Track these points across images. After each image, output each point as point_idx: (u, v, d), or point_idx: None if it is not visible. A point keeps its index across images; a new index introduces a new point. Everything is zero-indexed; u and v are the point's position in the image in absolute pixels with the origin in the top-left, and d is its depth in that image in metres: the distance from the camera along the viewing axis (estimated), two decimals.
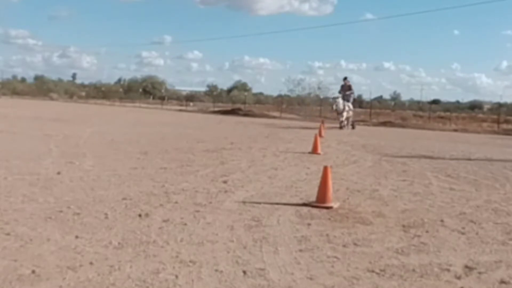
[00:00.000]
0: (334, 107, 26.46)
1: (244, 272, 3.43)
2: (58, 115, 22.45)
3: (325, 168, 5.99)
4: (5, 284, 3.01)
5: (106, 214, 4.85)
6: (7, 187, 5.88)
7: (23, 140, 11.56)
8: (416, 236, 4.61)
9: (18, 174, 6.80)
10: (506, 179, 8.71)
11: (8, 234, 4.02)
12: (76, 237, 4.05)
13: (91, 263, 3.44)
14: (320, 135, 13.18)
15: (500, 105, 46.49)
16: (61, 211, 4.86)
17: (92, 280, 3.13)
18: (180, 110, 42.58)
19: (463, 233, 4.79)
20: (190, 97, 68.26)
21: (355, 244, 4.27)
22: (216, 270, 3.43)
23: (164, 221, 4.72)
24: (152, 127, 18.79)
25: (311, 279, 3.36)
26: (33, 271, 3.23)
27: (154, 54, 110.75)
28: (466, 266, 3.78)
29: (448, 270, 3.67)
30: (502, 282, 3.48)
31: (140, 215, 4.88)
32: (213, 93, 73.19)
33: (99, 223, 4.51)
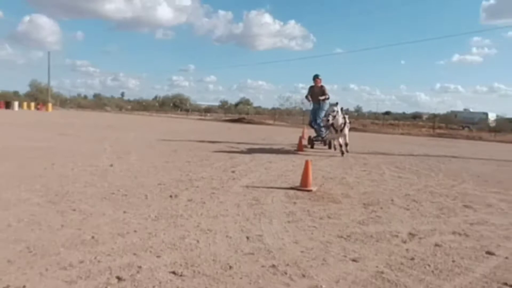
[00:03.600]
0: (331, 119, 10.71)
1: (247, 237, 3.46)
2: (111, 123, 22.43)
3: (306, 162, 6.00)
4: (72, 246, 3.02)
5: (146, 195, 4.85)
6: (74, 176, 5.88)
7: (85, 141, 11.57)
8: (373, 211, 4.62)
9: (81, 166, 6.80)
10: (439, 170, 8.72)
11: (74, 210, 4.04)
12: (124, 212, 4.05)
13: (135, 231, 3.45)
14: (303, 137, 13.17)
15: (434, 116, 47.25)
16: (113, 193, 4.87)
17: (136, 244, 3.14)
18: (200, 119, 42.53)
19: (407, 209, 4.81)
20: (208, 110, 68.38)
21: (328, 217, 4.28)
22: (227, 236, 3.47)
23: (189, 200, 4.73)
24: (179, 131, 18.76)
25: (296, 243, 3.38)
26: (93, 237, 3.24)
27: (181, 78, 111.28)
28: (410, 233, 3.80)
29: (397, 236, 3.69)
30: (436, 245, 3.49)
31: (171, 196, 4.88)
32: (224, 107, 73.35)
33: (140, 202, 4.51)
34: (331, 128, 10.52)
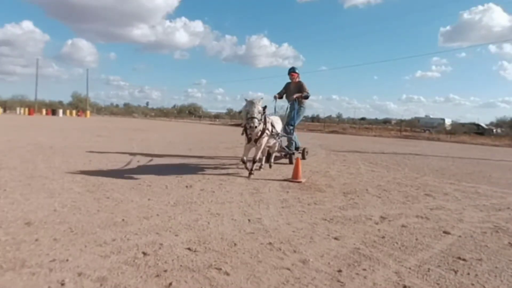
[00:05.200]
0: (252, 125, 5.44)
1: (249, 220, 3.46)
2: (138, 127, 22.43)
3: (297, 159, 6.03)
4: (106, 227, 3.02)
5: (166, 185, 4.84)
6: (108, 170, 5.88)
7: (117, 142, 11.55)
8: (351, 199, 4.62)
9: (114, 162, 6.80)
10: (405, 165, 8.72)
11: (108, 197, 4.03)
12: (148, 199, 4.04)
13: (157, 215, 3.45)
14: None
15: (401, 121, 47.27)
16: (139, 184, 4.86)
17: (158, 225, 3.14)
18: (210, 124, 42.47)
19: (379, 197, 4.81)
20: (216, 116, 68.31)
21: (315, 203, 4.28)
22: (232, 219, 3.47)
23: (201, 190, 4.72)
24: (193, 134, 18.78)
25: (288, 224, 3.38)
26: (123, 219, 3.23)
27: (195, 90, 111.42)
28: (381, 217, 3.81)
29: (370, 219, 3.69)
30: (403, 226, 3.49)
31: (186, 186, 4.88)
32: (230, 113, 73.14)
33: (162, 191, 4.51)
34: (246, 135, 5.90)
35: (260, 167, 6.45)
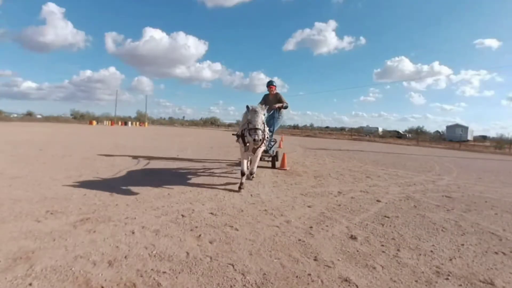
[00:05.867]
0: (257, 138, 3.32)
1: (251, 195, 3.45)
2: (177, 133, 22.28)
3: (284, 154, 6.02)
4: (158, 198, 3.02)
5: (195, 172, 4.82)
6: (157, 161, 5.85)
7: (164, 142, 11.48)
8: (320, 181, 4.61)
9: (161, 155, 6.79)
10: (354, 158, 8.70)
11: (160, 180, 4.01)
12: (185, 181, 4.05)
13: (190, 191, 3.45)
14: (282, 140, 13.11)
15: (351, 129, 47.13)
16: (179, 171, 4.85)
17: (191, 198, 3.14)
18: (225, 131, 42.29)
19: (337, 179, 4.81)
20: (230, 125, 67.90)
21: (295, 184, 4.28)
22: (240, 194, 3.46)
23: (219, 176, 4.70)
24: (214, 137, 18.72)
25: (277, 197, 3.38)
26: (168, 194, 3.23)
27: (215, 108, 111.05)
28: (338, 192, 3.81)
29: (331, 193, 3.69)
30: (352, 198, 3.51)
31: (210, 174, 4.87)
32: (239, 124, 72.20)
33: (193, 175, 4.50)
34: (249, 142, 3.69)
35: (253, 177, 4.12)
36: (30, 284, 1.42)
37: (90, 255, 1.74)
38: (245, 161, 3.78)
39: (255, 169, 3.99)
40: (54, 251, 1.77)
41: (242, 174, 3.74)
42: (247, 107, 3.64)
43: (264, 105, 3.84)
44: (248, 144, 3.66)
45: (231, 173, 4.96)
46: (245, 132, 3.67)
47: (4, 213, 2.40)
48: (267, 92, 5.15)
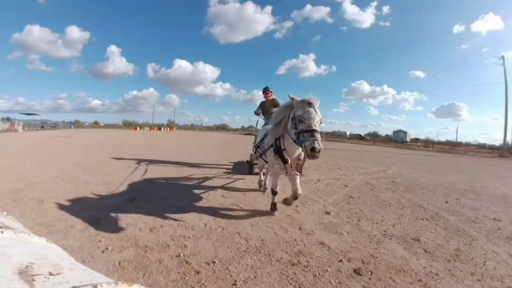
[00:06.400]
0: (317, 146, 1.23)
1: (252, 182, 3.36)
2: (197, 135, 22.03)
3: None
4: (185, 184, 2.98)
5: (211, 164, 4.71)
6: (181, 155, 5.79)
7: (186, 141, 11.30)
8: (303, 171, 4.51)
9: (187, 151, 6.69)
10: (329, 154, 8.58)
11: (183, 169, 3.90)
12: (202, 170, 3.95)
13: (205, 179, 3.38)
14: None
15: (327, 132, 45.82)
16: (199, 164, 4.73)
17: (208, 184, 3.06)
18: (232, 134, 42.01)
19: (316, 170, 4.73)
20: (236, 129, 67.48)
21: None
22: (244, 181, 3.38)
23: (226, 168, 4.60)
24: (225, 138, 18.54)
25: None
26: (187, 182, 3.19)
27: (225, 117, 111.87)
28: (317, 180, 3.74)
29: (312, 181, 3.63)
30: (327, 184, 3.44)
31: (223, 167, 4.73)
32: (243, 128, 71.99)
33: (208, 167, 4.39)
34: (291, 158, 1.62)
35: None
36: (100, 241, 1.48)
37: (137, 223, 1.76)
38: (276, 179, 2.02)
39: (300, 190, 1.92)
40: (113, 219, 1.81)
41: (274, 193, 2.04)
42: (292, 98, 1.63)
43: (261, 113, 2.76)
44: (289, 161, 1.78)
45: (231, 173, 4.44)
46: (283, 141, 1.76)
47: (80, 192, 2.45)
48: (263, 100, 3.39)
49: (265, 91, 3.33)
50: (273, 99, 3.35)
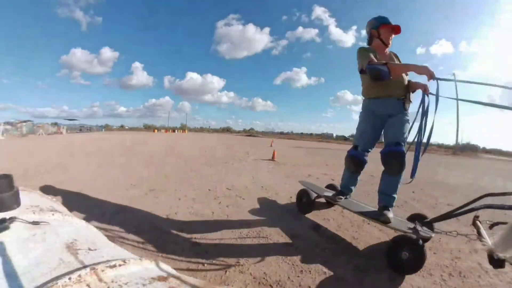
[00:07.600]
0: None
1: (253, 177, 3.37)
2: (208, 137, 21.04)
3: (274, 151, 5.95)
4: (200, 178, 3.02)
5: (226, 162, 4.64)
6: (198, 156, 5.79)
7: (199, 142, 10.78)
8: (296, 168, 4.49)
9: (203, 150, 6.58)
10: (318, 153, 8.54)
11: (194, 169, 3.90)
12: (211, 167, 3.92)
13: (214, 174, 3.39)
14: (272, 142, 12.86)
15: (317, 134, 46.35)
16: (215, 160, 4.64)
17: (219, 179, 3.08)
18: (235, 135, 41.61)
19: (308, 166, 4.67)
20: (238, 132, 66.63)
21: (281, 170, 4.17)
22: (246, 177, 3.38)
23: (236, 168, 4.55)
24: (236, 139, 18.23)
25: (270, 179, 3.32)
26: (201, 177, 3.23)
27: (230, 121, 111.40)
28: (309, 174, 3.67)
29: (304, 176, 3.58)
30: (317, 178, 3.41)
31: (226, 163, 4.73)
32: (245, 130, 71.16)
33: (222, 164, 4.30)
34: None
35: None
36: (126, 224, 1.56)
37: (155, 211, 1.83)
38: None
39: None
40: (136, 207, 1.89)
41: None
42: None
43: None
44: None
45: (241, 161, 4.67)
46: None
47: (110, 185, 2.52)
48: (367, 47, 1.30)
49: (384, 23, 1.29)
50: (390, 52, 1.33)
